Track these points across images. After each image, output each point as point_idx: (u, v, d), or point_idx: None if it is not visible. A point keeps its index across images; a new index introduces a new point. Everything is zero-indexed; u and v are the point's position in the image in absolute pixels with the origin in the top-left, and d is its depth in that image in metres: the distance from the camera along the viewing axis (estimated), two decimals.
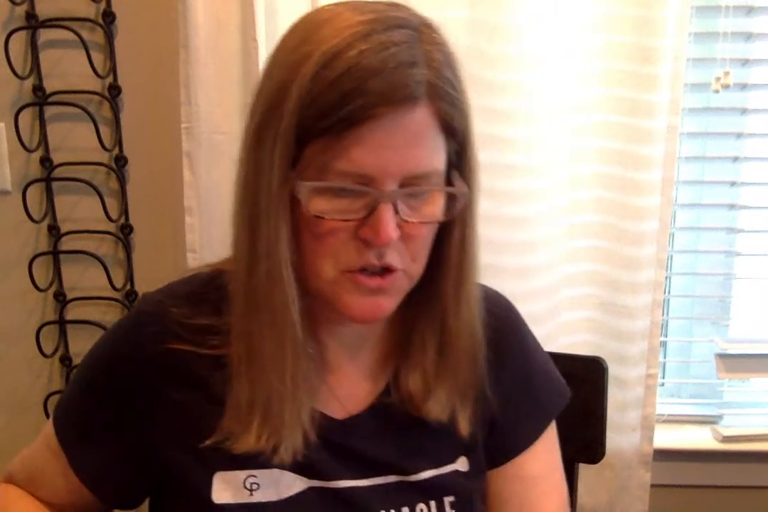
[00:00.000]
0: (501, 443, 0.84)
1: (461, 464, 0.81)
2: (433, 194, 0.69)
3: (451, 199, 0.70)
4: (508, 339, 0.84)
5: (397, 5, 0.68)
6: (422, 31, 0.66)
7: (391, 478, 0.78)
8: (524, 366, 0.86)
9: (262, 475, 0.74)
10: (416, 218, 0.67)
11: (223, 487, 0.74)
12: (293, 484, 0.75)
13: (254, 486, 0.74)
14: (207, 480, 0.74)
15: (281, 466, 0.73)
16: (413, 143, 0.65)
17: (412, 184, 0.66)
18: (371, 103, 0.62)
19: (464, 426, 0.78)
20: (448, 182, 0.70)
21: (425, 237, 0.70)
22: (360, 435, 0.77)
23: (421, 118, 0.65)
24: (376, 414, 0.78)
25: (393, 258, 0.68)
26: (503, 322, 0.84)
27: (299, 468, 0.74)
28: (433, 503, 0.78)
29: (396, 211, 0.65)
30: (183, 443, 0.74)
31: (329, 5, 0.69)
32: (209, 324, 0.74)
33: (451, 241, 0.72)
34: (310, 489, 0.75)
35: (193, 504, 0.74)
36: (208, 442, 0.72)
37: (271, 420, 0.71)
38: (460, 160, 0.71)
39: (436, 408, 0.77)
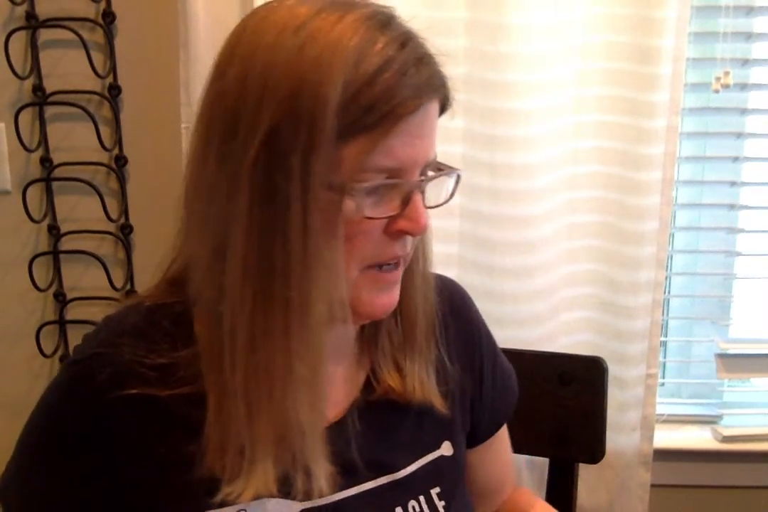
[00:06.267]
0: (489, 416, 0.87)
1: (446, 449, 0.82)
2: (442, 178, 0.70)
3: (456, 181, 0.71)
4: (470, 319, 0.88)
5: None
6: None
7: (382, 480, 0.76)
8: (488, 341, 0.89)
9: (252, 508, 0.69)
10: (434, 203, 0.70)
11: None
12: (286, 511, 0.71)
13: None
14: None
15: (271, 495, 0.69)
16: (432, 132, 0.66)
17: (424, 172, 0.67)
18: (415, 94, 0.62)
19: (440, 404, 0.79)
20: None
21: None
22: (347, 439, 0.74)
23: (436, 107, 0.66)
24: (359, 415, 0.76)
25: (410, 248, 0.70)
26: (460, 305, 0.88)
27: (288, 491, 0.70)
28: (422, 498, 0.78)
29: (423, 200, 0.67)
30: (165, 492, 0.69)
31: (289, 6, 0.64)
32: (168, 362, 0.68)
33: None
34: (304, 511, 0.72)
35: None
36: (217, 498, 0.67)
37: (286, 455, 0.66)
38: None
39: (419, 390, 0.78)
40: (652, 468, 1.43)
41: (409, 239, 0.68)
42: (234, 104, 0.62)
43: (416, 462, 0.79)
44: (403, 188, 0.65)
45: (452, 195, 0.71)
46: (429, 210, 0.68)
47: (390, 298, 0.70)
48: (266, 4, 0.67)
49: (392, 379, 0.78)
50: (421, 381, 0.78)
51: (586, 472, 1.28)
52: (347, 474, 0.73)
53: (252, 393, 0.64)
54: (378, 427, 0.78)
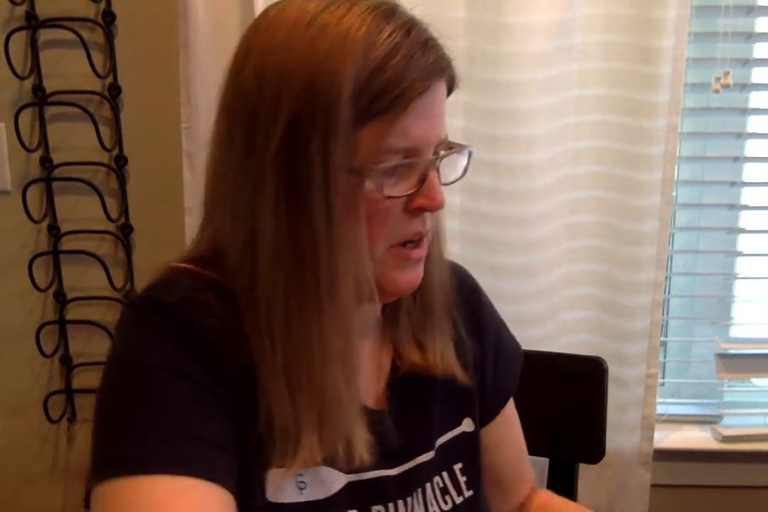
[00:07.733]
0: (494, 394, 0.89)
1: (467, 425, 0.84)
2: (454, 156, 0.73)
3: (468, 157, 0.74)
4: (477, 298, 0.90)
5: None
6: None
7: (420, 459, 0.79)
8: (494, 320, 0.92)
9: (307, 473, 0.72)
10: (449, 180, 0.73)
11: (277, 485, 0.70)
12: (336, 480, 0.73)
13: (302, 485, 0.72)
14: (261, 478, 0.69)
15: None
16: (442, 111, 0.70)
17: (437, 150, 0.70)
18: (423, 76, 0.65)
19: (462, 375, 0.81)
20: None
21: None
22: (388, 422, 0.77)
23: (443, 87, 0.70)
24: (395, 397, 0.79)
25: (429, 225, 0.72)
26: (468, 285, 0.90)
27: (331, 464, 0.72)
28: (445, 473, 0.81)
29: (438, 177, 0.70)
30: (242, 435, 0.69)
31: (299, 3, 0.67)
32: (226, 329, 0.68)
33: None
34: (350, 484, 0.74)
35: (251, 503, 0.68)
36: (274, 468, 0.68)
37: (330, 426, 0.68)
38: None
39: (440, 364, 0.80)
40: (652, 468, 1.44)
41: (428, 216, 0.71)
42: (253, 100, 0.65)
43: (441, 438, 0.81)
44: (419, 167, 0.68)
45: (465, 171, 0.74)
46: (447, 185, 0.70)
47: (414, 275, 0.73)
48: (276, 3, 0.69)
49: (415, 355, 0.80)
50: (442, 355, 0.80)
51: (586, 472, 1.27)
52: (388, 456, 0.75)
53: (292, 372, 0.67)
54: (410, 405, 0.80)
